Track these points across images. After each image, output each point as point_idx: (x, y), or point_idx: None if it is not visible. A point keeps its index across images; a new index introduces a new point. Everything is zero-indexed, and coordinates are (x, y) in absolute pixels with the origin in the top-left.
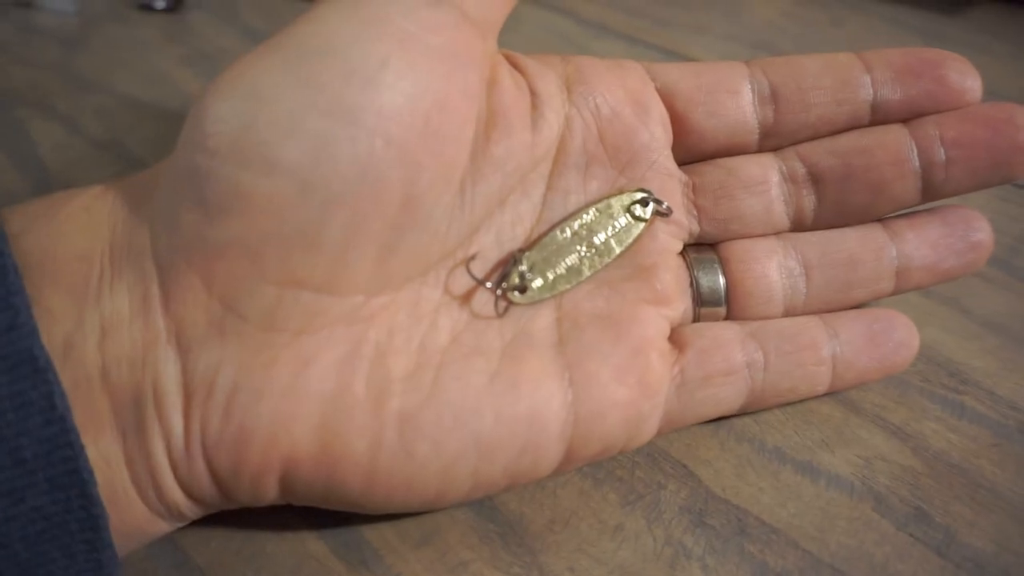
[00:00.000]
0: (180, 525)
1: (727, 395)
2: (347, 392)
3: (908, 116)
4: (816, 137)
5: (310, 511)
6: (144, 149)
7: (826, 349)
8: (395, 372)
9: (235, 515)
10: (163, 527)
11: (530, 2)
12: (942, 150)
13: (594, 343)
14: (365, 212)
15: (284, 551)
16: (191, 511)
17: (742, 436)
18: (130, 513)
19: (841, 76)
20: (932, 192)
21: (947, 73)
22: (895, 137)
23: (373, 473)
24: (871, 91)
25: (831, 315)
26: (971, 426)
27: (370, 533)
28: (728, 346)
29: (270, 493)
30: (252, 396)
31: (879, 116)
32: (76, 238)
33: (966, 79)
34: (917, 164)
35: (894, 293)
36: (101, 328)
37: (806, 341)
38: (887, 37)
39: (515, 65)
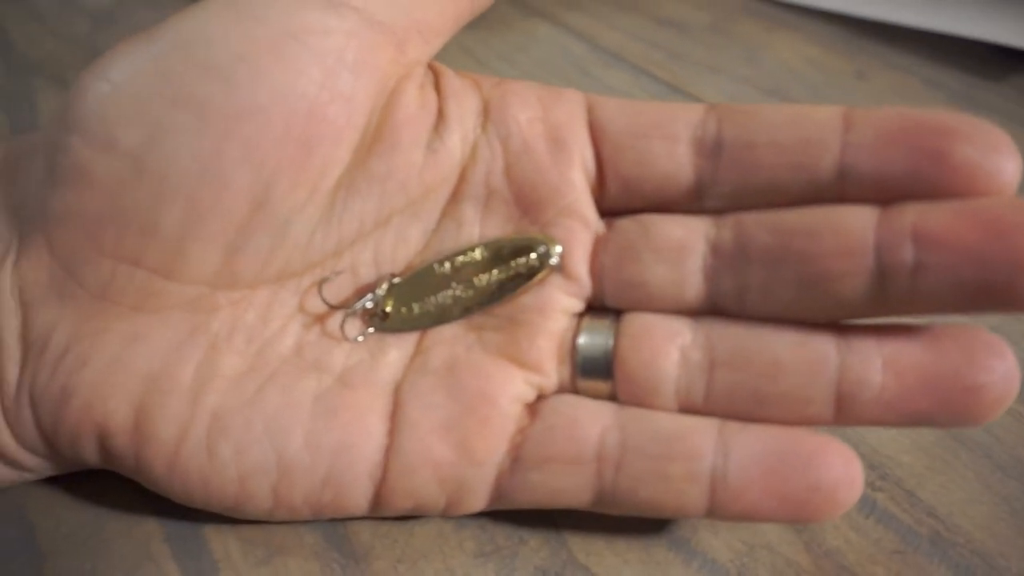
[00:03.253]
0: (26, 476)
1: (567, 487)
2: (170, 376)
3: (891, 197)
4: (773, 206)
5: (166, 509)
6: None
7: (703, 465)
8: (224, 369)
9: (91, 500)
10: (3, 472)
11: (549, 21)
12: (912, 250)
13: (429, 391)
14: (205, 208)
15: (128, 548)
16: (26, 459)
17: None
18: None
19: (807, 134)
20: (892, 304)
21: (953, 147)
22: (854, 222)
23: (175, 463)
24: (837, 157)
25: (737, 426)
26: (877, 527)
27: (216, 542)
28: (580, 430)
29: (90, 456)
30: (78, 361)
31: (851, 192)
32: None
33: (988, 158)
34: (873, 262)
35: (838, 424)
36: None
37: (680, 449)
38: (916, 98)
39: (437, 82)
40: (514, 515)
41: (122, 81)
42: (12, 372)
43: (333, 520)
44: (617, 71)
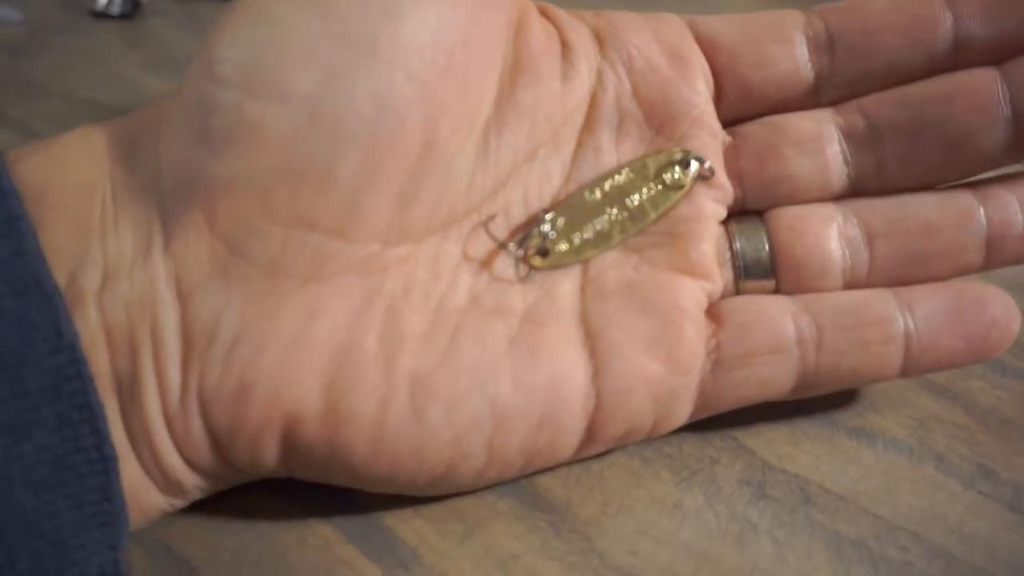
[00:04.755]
0: (176, 504)
1: (773, 375)
2: (357, 347)
3: (1002, 57)
4: (888, 87)
5: (331, 511)
6: None
7: (896, 326)
8: (409, 329)
9: (241, 519)
10: (158, 502)
11: None
12: None
13: (619, 312)
14: (382, 153)
15: (311, 558)
16: (187, 480)
17: (789, 403)
18: (124, 473)
19: (915, 12)
20: None
21: None
22: (982, 81)
23: (380, 438)
24: (951, 28)
25: (905, 289)
26: (1014, 382)
27: (404, 531)
28: (774, 320)
29: (270, 457)
30: (254, 347)
31: (965, 59)
32: (75, 166)
33: None
34: (1009, 112)
35: (986, 268)
36: (104, 267)
37: (871, 316)
38: None
39: (546, 15)
40: (696, 440)
41: (279, 24)
42: (174, 376)
43: (517, 484)
44: None
